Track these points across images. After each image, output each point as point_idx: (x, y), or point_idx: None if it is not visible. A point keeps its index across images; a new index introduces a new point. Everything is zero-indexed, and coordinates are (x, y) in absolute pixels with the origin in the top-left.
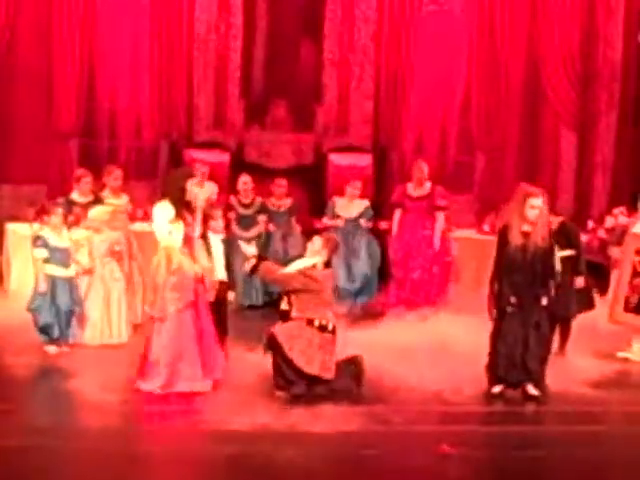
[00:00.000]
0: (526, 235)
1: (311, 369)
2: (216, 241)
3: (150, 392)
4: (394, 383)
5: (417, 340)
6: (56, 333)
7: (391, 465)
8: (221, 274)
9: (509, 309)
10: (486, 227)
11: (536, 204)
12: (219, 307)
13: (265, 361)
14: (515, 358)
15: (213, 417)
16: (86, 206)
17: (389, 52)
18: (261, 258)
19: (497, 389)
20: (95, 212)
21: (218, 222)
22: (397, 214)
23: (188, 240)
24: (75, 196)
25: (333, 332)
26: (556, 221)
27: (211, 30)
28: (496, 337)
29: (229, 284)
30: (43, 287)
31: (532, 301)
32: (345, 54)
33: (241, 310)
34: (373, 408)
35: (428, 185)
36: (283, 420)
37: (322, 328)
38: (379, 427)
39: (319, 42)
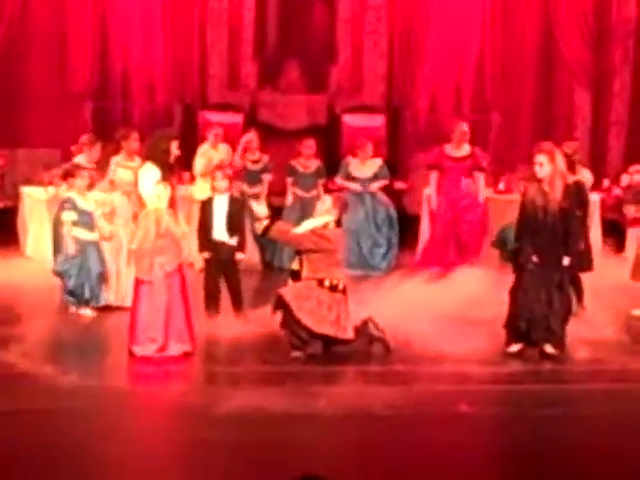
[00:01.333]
0: (545, 195)
1: (321, 329)
2: (221, 201)
3: (145, 357)
4: (417, 344)
5: (443, 300)
6: (86, 295)
7: (409, 424)
8: (224, 236)
9: (530, 266)
10: (501, 186)
11: (538, 160)
12: (227, 269)
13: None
14: (536, 316)
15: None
16: (96, 170)
17: (403, 10)
18: (273, 218)
19: (515, 348)
20: (124, 175)
21: (221, 182)
22: (434, 176)
23: (172, 203)
24: (82, 160)
25: (344, 292)
26: (571, 179)
27: None
28: (516, 295)
29: (239, 245)
30: (72, 249)
31: (554, 261)
32: (359, 13)
33: (269, 271)
34: (392, 368)
35: (467, 146)
36: (296, 378)
37: (333, 288)
38: (397, 387)
39: (332, 2)
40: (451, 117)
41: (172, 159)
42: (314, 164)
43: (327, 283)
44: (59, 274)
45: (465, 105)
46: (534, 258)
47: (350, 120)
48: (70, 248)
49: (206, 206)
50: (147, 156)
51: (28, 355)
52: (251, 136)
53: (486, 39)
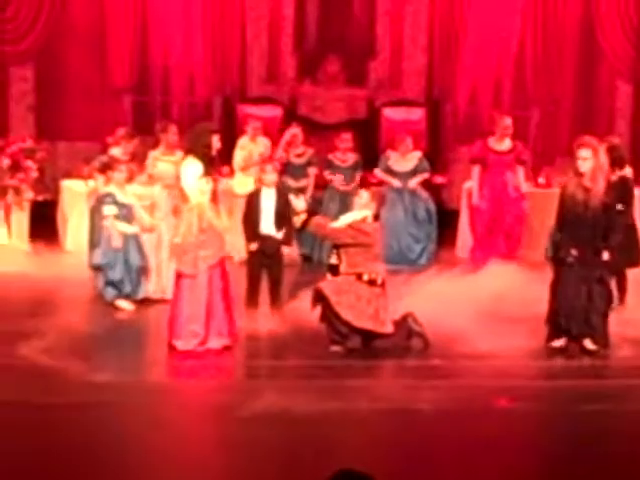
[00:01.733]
0: (587, 190)
1: (361, 323)
2: (269, 195)
3: (186, 351)
4: (457, 339)
5: (481, 295)
6: (127, 288)
7: (447, 419)
8: (271, 229)
9: (570, 260)
10: (542, 180)
11: (582, 155)
12: (271, 263)
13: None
14: (577, 311)
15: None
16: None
17: (443, 4)
18: (311, 213)
19: (559, 343)
20: (165, 168)
21: (270, 175)
22: (476, 170)
23: (214, 196)
24: (117, 153)
25: (382, 286)
26: (617, 174)
27: None
28: (556, 290)
29: (285, 238)
30: (118, 243)
31: (594, 255)
32: (399, 6)
33: (308, 265)
34: (431, 362)
35: (509, 140)
36: (336, 373)
37: (371, 282)
38: (436, 382)
39: None
40: (491, 110)
41: (214, 153)
42: (351, 158)
43: (366, 277)
44: (98, 267)
45: (505, 99)
46: (574, 252)
47: (390, 114)
48: (116, 241)
49: (253, 199)
50: (188, 150)
51: (67, 349)
52: (296, 130)
53: (526, 33)
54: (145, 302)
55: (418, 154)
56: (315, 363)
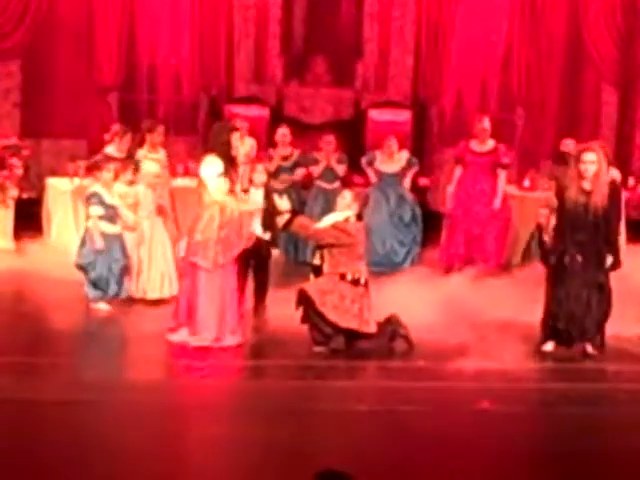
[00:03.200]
0: (588, 194)
1: (346, 323)
2: (258, 196)
3: (200, 346)
4: (437, 339)
5: (462, 297)
6: (111, 288)
7: (432, 421)
8: (258, 230)
9: (576, 266)
10: (527, 183)
11: (588, 159)
12: (258, 264)
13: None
14: (576, 317)
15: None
16: (123, 161)
17: (430, 6)
18: (295, 213)
19: (549, 347)
20: (150, 167)
21: (260, 176)
22: (458, 170)
23: (232, 194)
24: (112, 151)
25: (366, 285)
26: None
27: None
28: (555, 294)
29: (271, 240)
30: (100, 244)
31: (595, 260)
32: (385, 8)
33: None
34: (414, 364)
35: (491, 142)
36: (319, 373)
37: (355, 282)
38: (419, 383)
39: None
40: (476, 113)
41: (233, 151)
42: (334, 157)
43: (349, 277)
44: (82, 267)
45: (491, 101)
46: (579, 257)
47: (376, 115)
48: (98, 243)
49: None
50: (209, 149)
51: (52, 346)
52: (285, 130)
53: (513, 36)
54: (127, 302)
55: (405, 154)
56: (298, 363)
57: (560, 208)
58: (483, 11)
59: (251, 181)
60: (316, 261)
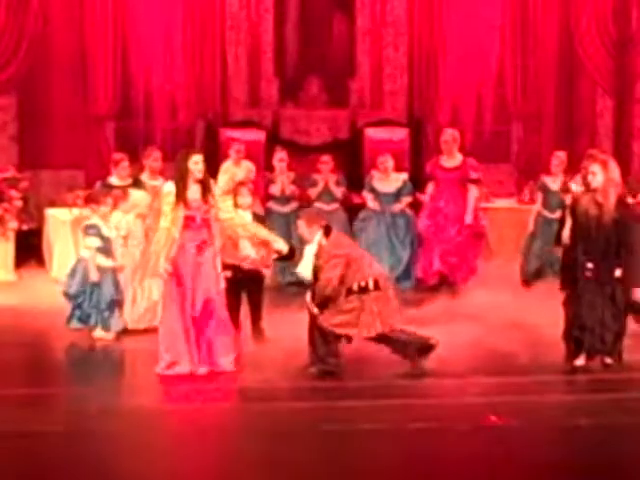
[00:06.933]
0: (599, 205)
1: (366, 332)
2: (246, 217)
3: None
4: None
5: (455, 312)
6: (92, 321)
7: (439, 437)
8: (250, 251)
9: (588, 273)
10: (525, 196)
11: (591, 169)
12: (251, 286)
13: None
14: (589, 325)
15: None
16: (125, 189)
17: (422, 23)
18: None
19: (581, 361)
20: (140, 197)
21: (246, 198)
22: (430, 186)
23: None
24: (113, 180)
25: (378, 288)
26: None
27: (243, 7)
28: (573, 306)
29: (264, 260)
30: (95, 277)
31: (606, 273)
32: (378, 27)
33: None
34: (419, 382)
35: (459, 157)
36: (317, 392)
37: (362, 290)
38: (425, 400)
39: (351, 16)
40: (473, 129)
41: (195, 175)
42: (332, 179)
43: (355, 287)
44: (69, 296)
45: (487, 116)
46: (590, 265)
47: (372, 133)
48: (92, 275)
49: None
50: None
51: (55, 377)
52: (282, 155)
53: (506, 49)
54: (123, 333)
55: (403, 176)
56: (299, 384)
57: (573, 220)
58: (475, 26)
59: (236, 205)
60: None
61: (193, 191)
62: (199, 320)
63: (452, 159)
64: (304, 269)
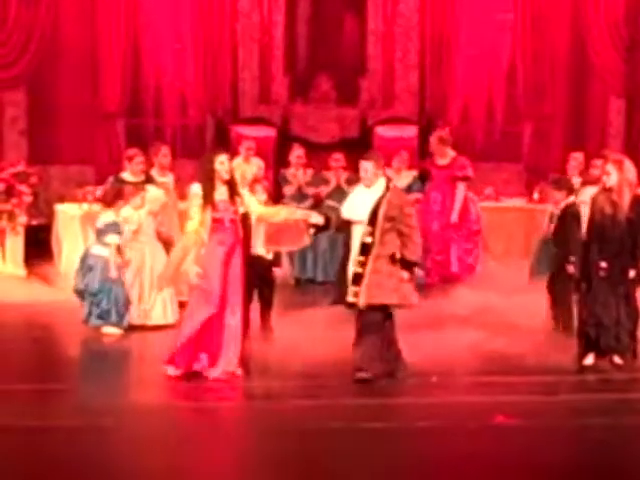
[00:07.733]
0: (615, 205)
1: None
2: None
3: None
4: (443, 354)
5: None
6: (113, 318)
7: (449, 436)
8: (261, 250)
9: (602, 273)
10: (536, 196)
11: (606, 169)
12: (263, 284)
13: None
14: (605, 324)
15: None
16: (137, 185)
17: (433, 22)
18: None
19: (589, 360)
20: (156, 194)
21: (261, 196)
22: (427, 185)
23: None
24: (126, 175)
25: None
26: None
27: (254, 5)
28: (587, 304)
29: (274, 260)
30: (115, 274)
31: (620, 272)
32: (389, 25)
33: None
34: (425, 380)
35: (452, 155)
36: (335, 391)
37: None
38: (433, 399)
39: (362, 14)
40: (483, 128)
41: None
42: (344, 176)
43: (398, 255)
44: (81, 292)
45: (497, 115)
46: (603, 264)
47: (382, 131)
48: (112, 272)
49: (244, 219)
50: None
51: (64, 373)
52: (300, 152)
53: (517, 49)
54: (131, 328)
55: (413, 173)
56: (308, 383)
57: (589, 218)
58: (487, 25)
59: None
60: (368, 239)
61: (220, 192)
62: (220, 321)
63: (444, 157)
64: (354, 211)
